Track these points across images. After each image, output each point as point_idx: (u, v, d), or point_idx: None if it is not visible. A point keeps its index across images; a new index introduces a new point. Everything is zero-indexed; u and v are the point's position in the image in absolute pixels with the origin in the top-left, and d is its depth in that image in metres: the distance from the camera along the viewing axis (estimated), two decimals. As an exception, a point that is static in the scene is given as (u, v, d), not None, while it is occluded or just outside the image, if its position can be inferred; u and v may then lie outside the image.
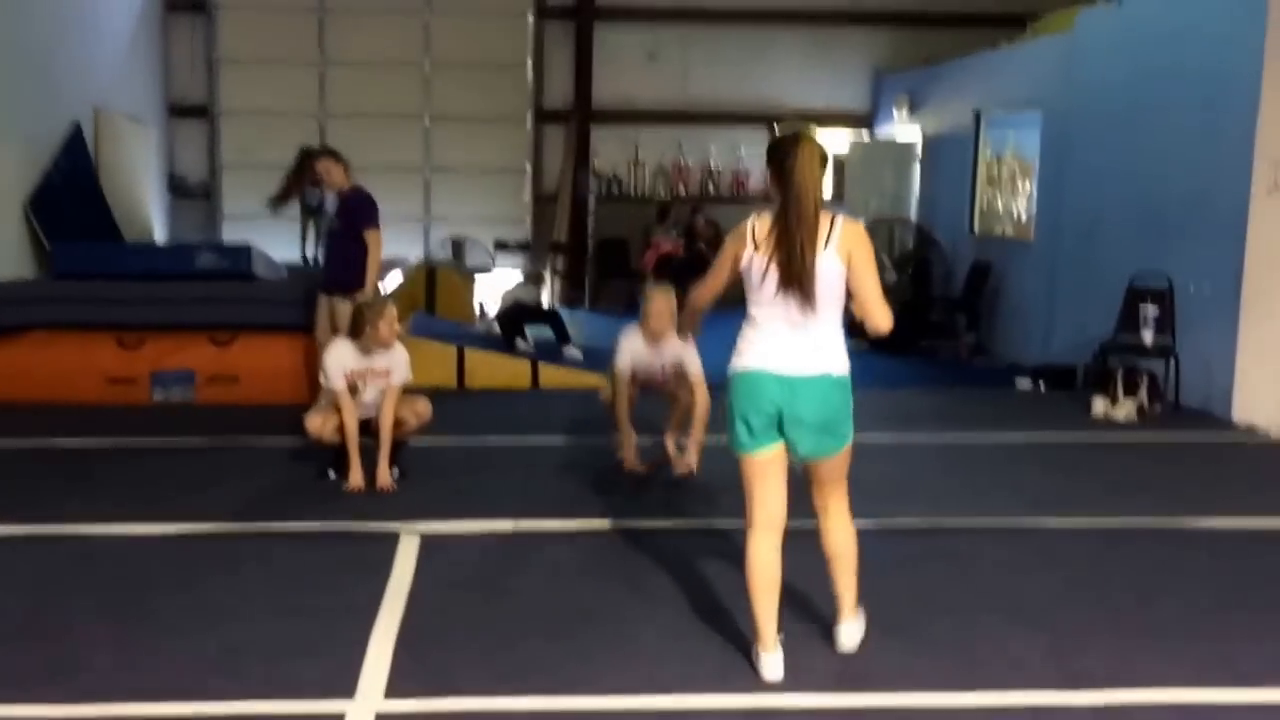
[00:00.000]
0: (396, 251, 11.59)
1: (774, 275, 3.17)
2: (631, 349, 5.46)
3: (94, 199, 9.47)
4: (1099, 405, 7.22)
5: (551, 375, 7.86)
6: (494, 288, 12.22)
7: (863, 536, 4.38)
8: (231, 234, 12.36)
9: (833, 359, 3.26)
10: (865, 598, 3.69)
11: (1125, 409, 7.14)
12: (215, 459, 5.84)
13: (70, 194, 8.96)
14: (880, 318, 3.23)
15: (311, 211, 11.39)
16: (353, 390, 5.15)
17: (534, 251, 13.08)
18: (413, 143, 12.86)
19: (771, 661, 3.32)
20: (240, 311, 6.87)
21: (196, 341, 6.74)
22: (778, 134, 3.32)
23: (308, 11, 12.59)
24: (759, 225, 3.26)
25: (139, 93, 11.47)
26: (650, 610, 3.88)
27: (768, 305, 3.25)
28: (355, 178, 6.55)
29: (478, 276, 11.88)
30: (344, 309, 5.99)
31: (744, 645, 3.59)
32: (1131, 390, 7.19)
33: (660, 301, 5.36)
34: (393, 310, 5.18)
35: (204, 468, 5.64)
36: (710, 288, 3.45)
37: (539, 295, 10.08)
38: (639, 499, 5.21)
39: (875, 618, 3.77)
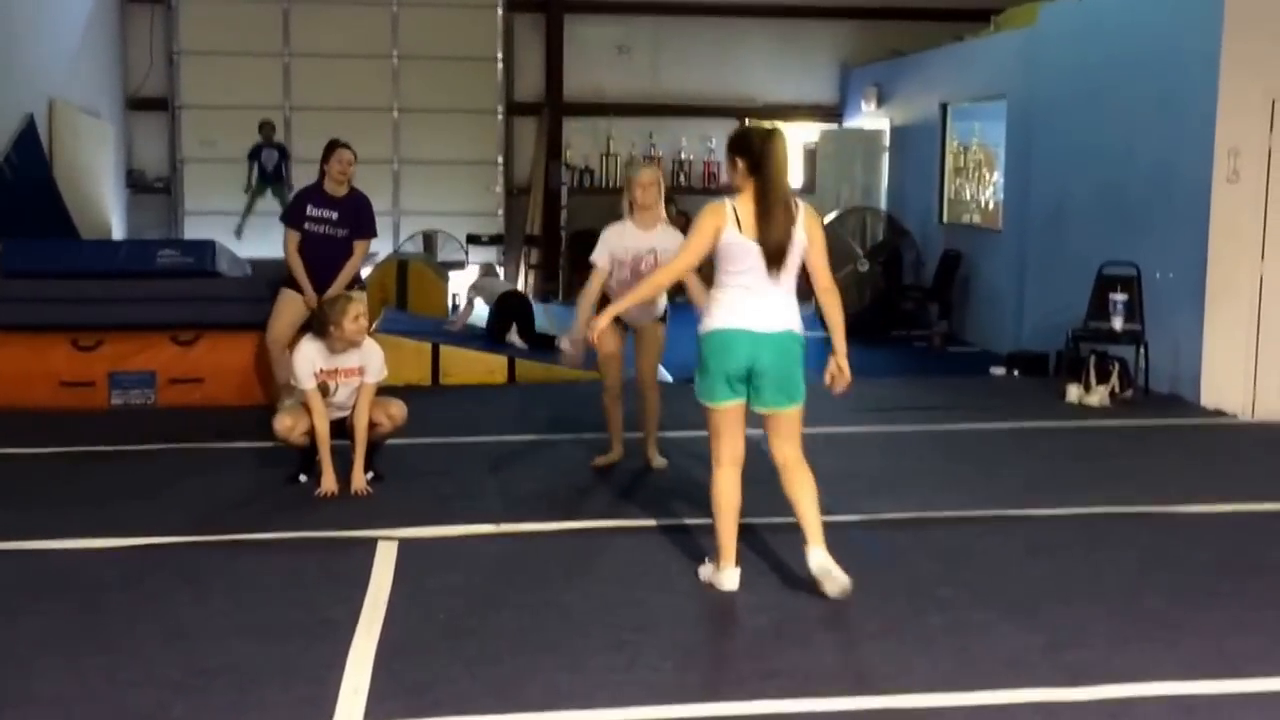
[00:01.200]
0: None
1: (757, 250, 3.67)
2: (611, 239, 5.05)
3: (48, 194, 9.07)
4: (1073, 392, 7.19)
5: (528, 370, 7.64)
6: (463, 283, 11.98)
7: (850, 531, 4.30)
8: (193, 230, 12.05)
9: (792, 319, 3.77)
10: (858, 593, 3.73)
11: (1098, 395, 7.11)
12: (177, 465, 5.52)
13: (22, 189, 8.55)
14: (830, 281, 3.80)
15: (266, 180, 11.29)
16: (324, 391, 4.89)
17: (507, 245, 12.87)
18: (381, 136, 12.57)
19: (731, 575, 3.82)
20: (204, 310, 6.50)
21: (157, 342, 6.37)
22: (745, 128, 3.94)
23: (271, 1, 12.23)
24: (740, 207, 3.71)
25: (95, 85, 11.04)
26: (644, 616, 3.69)
27: (739, 274, 3.71)
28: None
29: (451, 271, 11.60)
30: None
31: (742, 651, 3.43)
32: (1104, 377, 7.17)
33: (647, 173, 4.97)
34: (358, 305, 4.90)
35: (165, 474, 5.32)
36: (687, 263, 3.84)
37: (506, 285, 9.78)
38: (627, 497, 5.01)
39: (869, 616, 3.66)
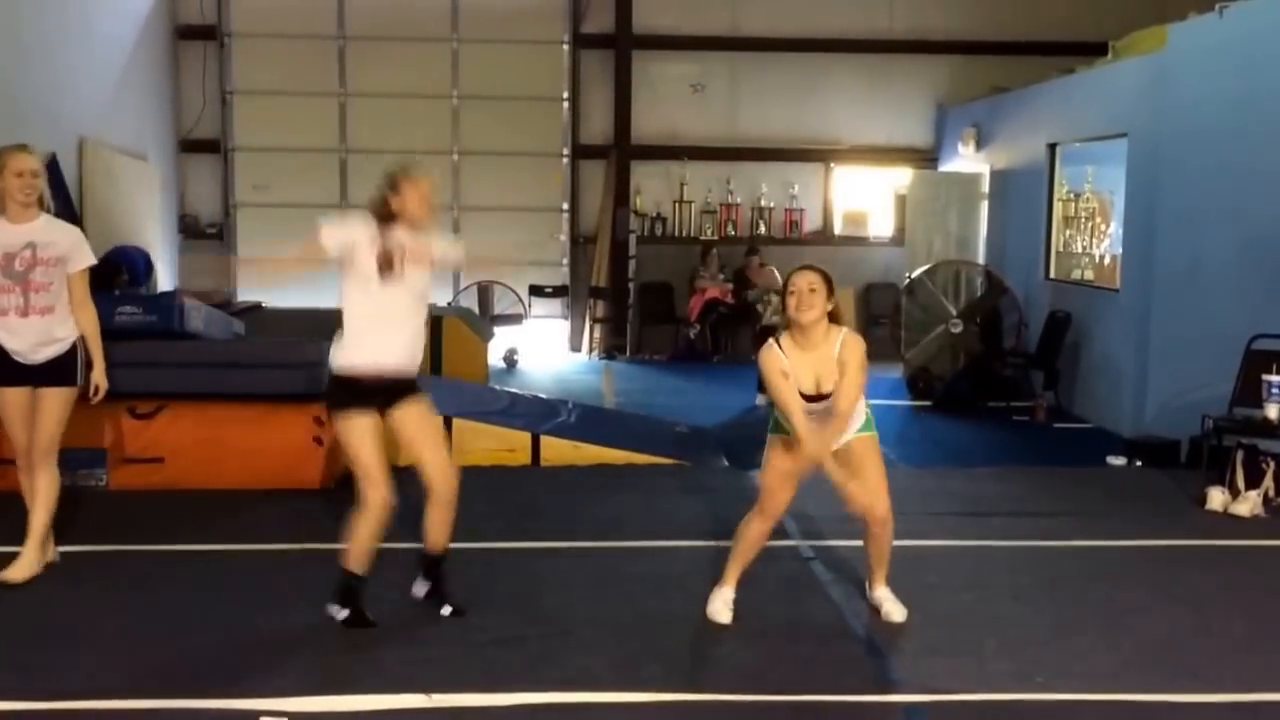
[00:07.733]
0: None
1: None
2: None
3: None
4: (1216, 498, 5.70)
5: (556, 450, 6.44)
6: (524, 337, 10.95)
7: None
8: (246, 279, 11.32)
9: None
10: None
11: (1249, 503, 5.62)
12: (100, 585, 4.23)
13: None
14: None
15: None
16: (386, 265, 3.63)
17: (572, 297, 11.84)
18: (440, 180, 11.73)
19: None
20: (167, 377, 5.49)
21: (110, 413, 5.40)
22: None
23: (327, 40, 11.50)
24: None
25: (141, 125, 10.34)
26: None
27: None
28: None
29: (498, 328, 10.55)
30: None
31: None
32: (1255, 479, 5.68)
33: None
34: (429, 183, 3.77)
35: (77, 604, 4.08)
36: None
37: None
38: (640, 662, 3.73)
39: None
